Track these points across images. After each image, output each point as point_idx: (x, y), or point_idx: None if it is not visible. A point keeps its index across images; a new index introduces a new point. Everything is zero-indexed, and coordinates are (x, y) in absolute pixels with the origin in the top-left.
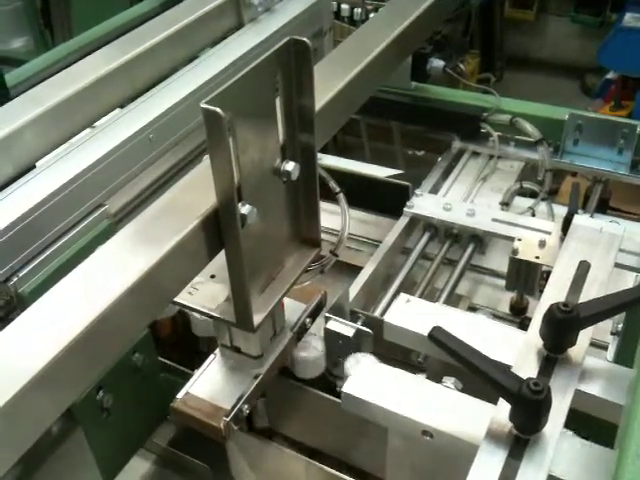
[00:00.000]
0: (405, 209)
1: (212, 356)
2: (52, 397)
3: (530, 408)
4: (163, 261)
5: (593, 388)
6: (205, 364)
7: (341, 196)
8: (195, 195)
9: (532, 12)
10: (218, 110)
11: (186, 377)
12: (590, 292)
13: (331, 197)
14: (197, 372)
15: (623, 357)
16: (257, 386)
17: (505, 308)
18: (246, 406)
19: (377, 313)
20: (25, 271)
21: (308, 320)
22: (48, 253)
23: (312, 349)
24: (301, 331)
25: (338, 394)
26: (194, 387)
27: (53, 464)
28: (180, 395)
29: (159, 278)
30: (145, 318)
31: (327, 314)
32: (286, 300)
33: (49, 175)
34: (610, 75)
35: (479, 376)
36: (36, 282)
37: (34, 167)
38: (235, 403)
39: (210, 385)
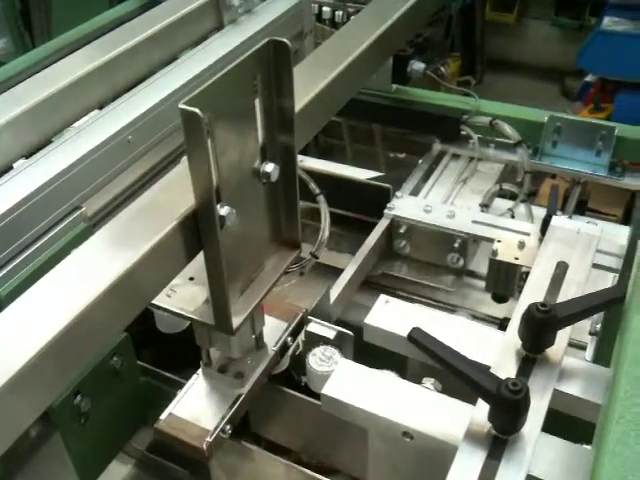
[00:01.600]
0: (385, 211)
1: (195, 376)
2: (27, 401)
3: (509, 408)
4: (141, 263)
5: (571, 388)
6: (188, 385)
7: (321, 198)
8: (173, 196)
9: (513, 15)
10: (196, 111)
11: (167, 381)
12: (568, 292)
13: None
14: (180, 393)
15: (601, 357)
16: (239, 406)
17: (485, 309)
18: (228, 426)
19: None
20: (1, 274)
21: (290, 339)
22: (25, 255)
23: None
24: (283, 350)
25: (303, 389)
26: (177, 408)
27: (30, 468)
28: (163, 416)
29: (136, 280)
30: (122, 321)
31: (308, 316)
32: (268, 318)
33: (26, 177)
34: (589, 78)
35: (458, 377)
36: (13, 284)
37: (11, 168)
38: (217, 424)
39: (193, 406)
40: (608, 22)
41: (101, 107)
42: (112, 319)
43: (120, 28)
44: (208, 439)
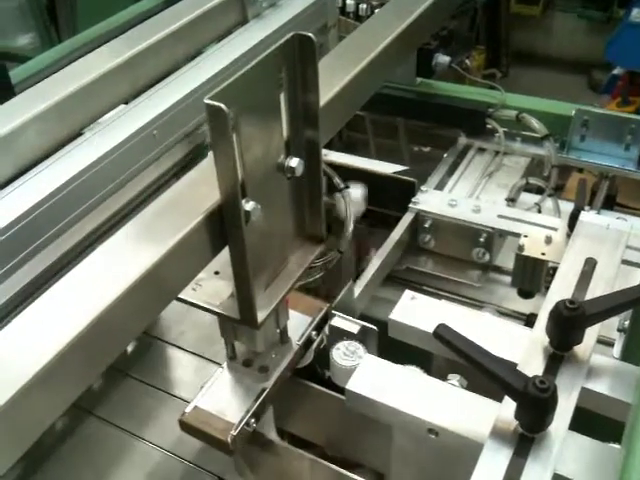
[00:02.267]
0: (410, 205)
1: (220, 370)
2: (54, 396)
3: (536, 406)
4: (167, 257)
5: (600, 386)
6: (213, 378)
7: (346, 192)
8: (199, 191)
9: (538, 7)
10: (222, 106)
11: None
12: (597, 289)
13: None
14: (205, 386)
15: (630, 354)
16: (264, 400)
17: (511, 305)
18: (253, 420)
19: None
20: None
21: (314, 333)
22: None
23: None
24: (307, 344)
25: (327, 383)
26: (202, 401)
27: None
28: (188, 409)
29: (163, 275)
30: (149, 314)
31: (332, 311)
32: (292, 313)
33: (52, 172)
34: (617, 71)
35: (484, 374)
36: None
37: (38, 163)
38: (242, 417)
39: (218, 399)
40: (637, 14)
41: (127, 102)
42: (139, 313)
43: (145, 23)
44: (233, 432)
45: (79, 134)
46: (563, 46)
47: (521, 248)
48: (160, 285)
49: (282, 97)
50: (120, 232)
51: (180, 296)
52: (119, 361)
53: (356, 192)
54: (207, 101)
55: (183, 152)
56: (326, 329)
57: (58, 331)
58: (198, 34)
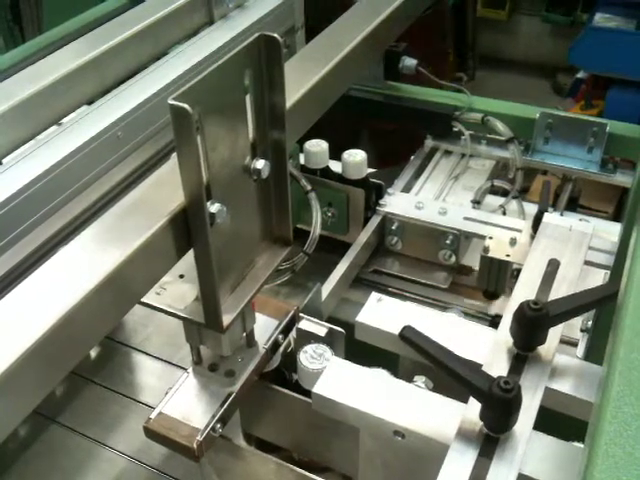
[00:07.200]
0: (377, 207)
1: (185, 375)
2: (14, 402)
3: (500, 406)
4: (130, 260)
5: (563, 386)
6: (178, 383)
7: (312, 195)
8: (163, 193)
9: (504, 12)
10: (186, 106)
11: None
12: (560, 290)
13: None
14: (170, 391)
15: (593, 354)
16: (230, 404)
17: (476, 306)
18: (219, 425)
19: None
20: None
21: (281, 336)
22: None
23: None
24: (274, 347)
25: (294, 387)
26: (167, 407)
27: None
28: (153, 415)
29: (126, 278)
30: (111, 319)
31: (300, 313)
32: (259, 316)
33: (13, 173)
34: (581, 74)
35: (450, 375)
36: None
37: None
38: (208, 423)
39: (183, 404)
40: (600, 18)
41: (90, 103)
42: (101, 318)
43: (110, 22)
44: (198, 438)
45: (42, 135)
46: (529, 50)
47: (486, 250)
48: (123, 289)
49: (248, 98)
50: (82, 234)
51: (144, 300)
52: (83, 367)
53: None
54: (171, 102)
55: (148, 153)
56: (293, 332)
57: (17, 336)
58: (164, 34)
